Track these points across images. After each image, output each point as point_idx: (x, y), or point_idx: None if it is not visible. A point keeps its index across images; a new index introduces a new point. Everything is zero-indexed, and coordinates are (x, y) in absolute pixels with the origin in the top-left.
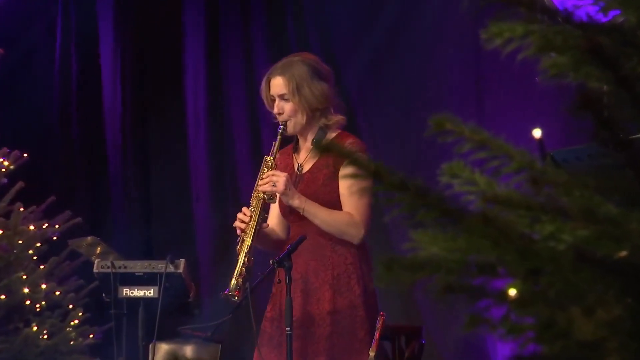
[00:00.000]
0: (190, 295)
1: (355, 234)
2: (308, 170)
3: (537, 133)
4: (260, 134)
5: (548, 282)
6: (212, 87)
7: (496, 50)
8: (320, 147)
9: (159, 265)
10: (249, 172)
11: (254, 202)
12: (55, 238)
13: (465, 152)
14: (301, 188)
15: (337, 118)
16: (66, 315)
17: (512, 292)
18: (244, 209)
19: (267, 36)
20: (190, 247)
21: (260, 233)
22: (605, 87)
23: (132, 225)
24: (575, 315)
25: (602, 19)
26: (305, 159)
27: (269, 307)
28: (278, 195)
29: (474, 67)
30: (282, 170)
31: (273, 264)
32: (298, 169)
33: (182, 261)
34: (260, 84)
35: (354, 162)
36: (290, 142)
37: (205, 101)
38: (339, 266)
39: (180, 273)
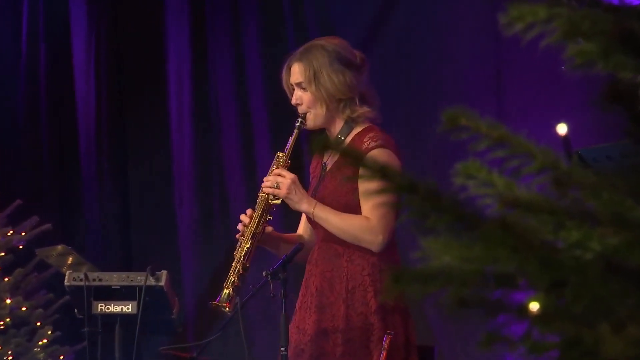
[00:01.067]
0: (174, 312)
1: (372, 241)
2: (329, 169)
3: (562, 129)
4: (252, 132)
5: (574, 295)
6: (198, 79)
7: (517, 36)
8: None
9: (138, 278)
10: (238, 173)
11: (258, 202)
12: (21, 247)
13: (482, 151)
14: (321, 189)
15: (363, 110)
16: (34, 334)
17: (534, 306)
18: (248, 210)
19: (259, 22)
20: (173, 257)
21: (266, 237)
22: (638, 78)
23: (107, 233)
24: (604, 332)
25: (634, 1)
26: (329, 156)
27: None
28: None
29: (492, 56)
30: (313, 171)
31: (266, 275)
32: (323, 167)
33: (163, 273)
34: (251, 75)
35: (355, 160)
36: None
37: (190, 95)
38: (355, 278)
39: (161, 286)
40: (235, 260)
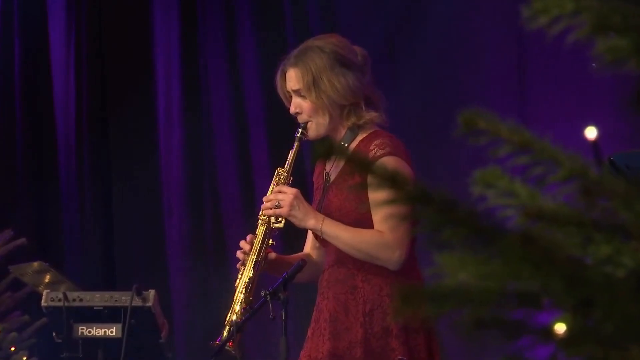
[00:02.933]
0: (162, 335)
1: (389, 258)
2: (333, 180)
3: (591, 133)
4: (248, 136)
5: (603, 315)
6: (189, 80)
7: (541, 31)
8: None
9: (123, 298)
10: (232, 182)
11: (258, 226)
12: None
13: (503, 157)
14: (326, 203)
15: (370, 115)
16: None
17: (560, 328)
18: (249, 236)
19: (256, 17)
20: (161, 274)
21: (269, 264)
22: None
23: (89, 248)
24: (636, 356)
25: None
26: (332, 165)
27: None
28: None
29: (514, 53)
30: (316, 180)
31: (265, 296)
32: (326, 178)
33: (151, 292)
34: (247, 76)
35: (362, 167)
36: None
37: (180, 96)
38: (372, 299)
39: (149, 307)
40: (237, 292)
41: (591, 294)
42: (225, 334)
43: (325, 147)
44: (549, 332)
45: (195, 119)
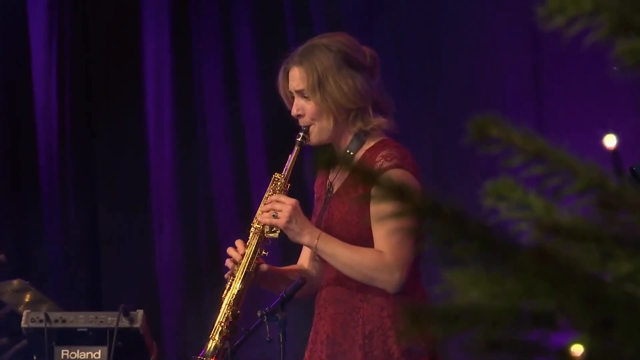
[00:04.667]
0: (151, 359)
1: (387, 280)
2: (336, 191)
3: (610, 141)
4: (245, 145)
5: (624, 336)
6: (181, 83)
7: (557, 32)
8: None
9: (109, 319)
10: (228, 194)
11: (251, 234)
12: None
13: (517, 167)
14: (327, 216)
15: (378, 121)
16: None
17: (577, 350)
18: (238, 242)
19: (253, 15)
20: (150, 293)
21: (260, 276)
22: None
23: (72, 265)
24: None
25: None
26: (336, 175)
27: None
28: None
29: (530, 54)
30: (318, 190)
31: (262, 316)
32: (328, 188)
33: (139, 313)
34: (244, 79)
35: (366, 179)
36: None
37: (171, 102)
38: (373, 320)
39: (137, 328)
40: (224, 304)
41: (611, 314)
42: (209, 347)
43: (327, 156)
44: (565, 354)
45: (188, 125)
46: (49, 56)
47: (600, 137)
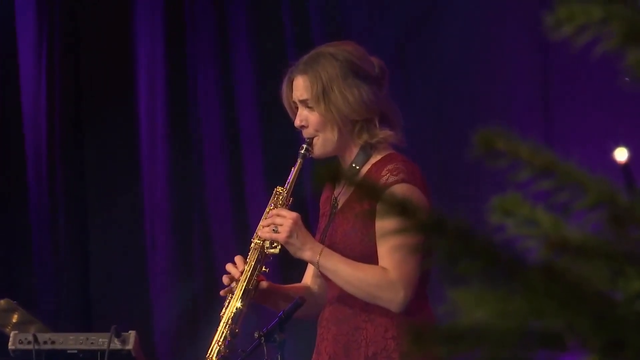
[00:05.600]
0: None
1: (392, 299)
2: (341, 207)
3: (621, 154)
4: (242, 158)
5: (635, 357)
6: (175, 93)
7: (567, 41)
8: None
9: (100, 340)
10: (224, 209)
11: (251, 250)
12: None
13: (524, 181)
14: (330, 232)
15: (384, 134)
16: None
17: None
18: (237, 258)
19: (251, 21)
20: (143, 313)
21: (260, 294)
22: None
23: (62, 284)
24: None
25: None
26: (341, 190)
27: None
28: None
29: (539, 64)
30: (323, 206)
31: (259, 337)
32: (333, 203)
33: (131, 334)
34: (241, 87)
35: (371, 195)
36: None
37: (165, 112)
38: (376, 342)
39: (129, 350)
40: (222, 323)
41: (622, 334)
42: None
43: (327, 170)
44: None
45: (182, 138)
46: (38, 65)
47: (611, 150)
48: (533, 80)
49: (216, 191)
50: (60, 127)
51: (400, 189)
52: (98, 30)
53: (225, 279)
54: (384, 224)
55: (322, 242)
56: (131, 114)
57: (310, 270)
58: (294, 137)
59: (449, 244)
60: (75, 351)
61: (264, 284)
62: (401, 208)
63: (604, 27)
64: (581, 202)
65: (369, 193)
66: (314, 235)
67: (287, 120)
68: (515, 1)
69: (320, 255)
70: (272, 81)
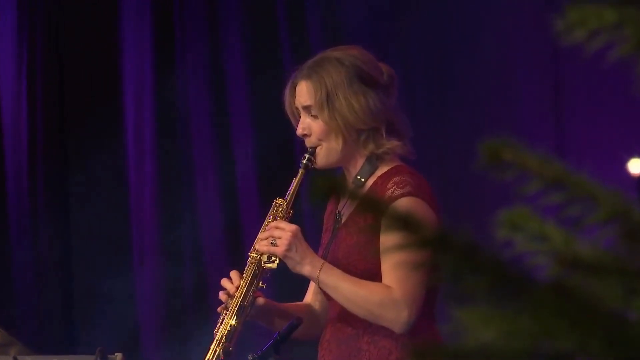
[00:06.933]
0: None
1: (395, 318)
2: (345, 222)
3: (636, 166)
4: (235, 171)
5: None
6: (164, 100)
7: (579, 48)
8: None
9: None
10: (216, 224)
11: (247, 264)
12: None
13: (533, 194)
14: (333, 248)
15: (391, 144)
16: None
17: None
18: (233, 273)
19: (243, 23)
20: (130, 334)
21: (256, 311)
22: None
23: (44, 304)
24: None
25: None
26: (345, 204)
27: None
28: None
29: (550, 71)
30: (326, 221)
31: (253, 359)
32: (337, 217)
33: (118, 356)
34: (232, 96)
35: (374, 211)
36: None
37: (154, 125)
38: None
39: None
40: (215, 341)
41: (635, 355)
42: None
43: (326, 184)
44: None
45: (171, 151)
46: (19, 80)
47: (625, 161)
48: (544, 88)
49: (207, 207)
50: (42, 146)
51: (407, 203)
52: (82, 34)
53: (221, 295)
54: (387, 239)
55: (324, 257)
56: (117, 121)
57: (312, 288)
58: (291, 148)
59: (453, 260)
60: None
61: (261, 300)
62: (403, 222)
63: (618, 31)
64: (593, 216)
65: (372, 207)
66: (315, 250)
67: (281, 127)
68: (525, 5)
69: (320, 270)
70: (267, 85)
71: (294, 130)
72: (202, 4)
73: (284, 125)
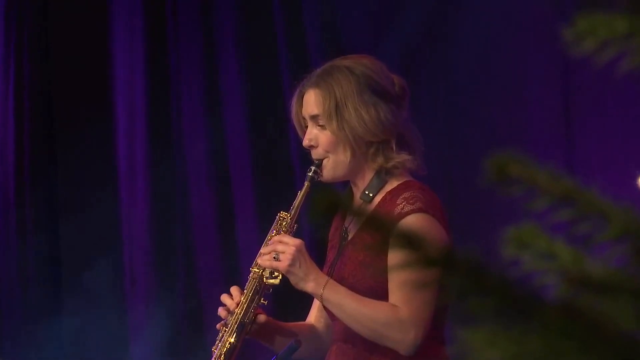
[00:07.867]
0: None
1: (401, 339)
2: (351, 239)
3: None
4: (230, 186)
5: None
6: (156, 110)
7: (589, 59)
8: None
9: None
10: (211, 241)
11: (249, 280)
12: None
13: (541, 211)
14: (339, 265)
15: (401, 158)
16: None
17: None
18: (234, 288)
19: (239, 28)
20: (122, 354)
21: (257, 328)
22: None
23: (30, 319)
24: None
25: None
26: (351, 221)
27: None
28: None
29: (560, 83)
30: (332, 237)
31: None
32: (343, 234)
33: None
34: (226, 107)
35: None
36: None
37: (146, 136)
38: None
39: None
40: (214, 359)
41: None
42: None
43: (327, 200)
44: None
45: (164, 164)
46: (5, 90)
47: (636, 177)
48: (553, 101)
49: (201, 223)
50: (30, 159)
51: (417, 219)
52: (71, 40)
53: (221, 312)
54: (394, 257)
55: (329, 275)
56: (108, 132)
57: (315, 308)
58: (290, 163)
59: (459, 279)
60: None
61: (262, 317)
62: (409, 240)
63: (629, 41)
64: (604, 233)
65: (379, 225)
66: (321, 267)
67: (279, 135)
68: (534, 16)
69: (324, 287)
70: (264, 93)
71: (292, 134)
72: (196, 4)
73: (281, 129)
